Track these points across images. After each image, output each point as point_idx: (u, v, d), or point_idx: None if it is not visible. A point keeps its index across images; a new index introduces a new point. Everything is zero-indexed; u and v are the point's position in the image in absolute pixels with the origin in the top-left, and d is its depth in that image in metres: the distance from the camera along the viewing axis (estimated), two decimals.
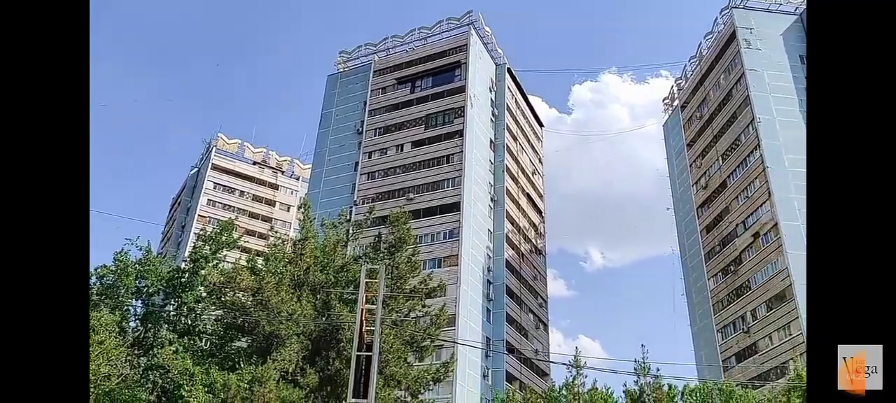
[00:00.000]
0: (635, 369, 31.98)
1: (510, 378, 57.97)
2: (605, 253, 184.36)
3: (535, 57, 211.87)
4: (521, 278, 66.41)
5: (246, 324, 22.50)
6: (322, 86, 76.88)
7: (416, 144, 66.67)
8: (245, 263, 24.84)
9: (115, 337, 21.13)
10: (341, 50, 77.96)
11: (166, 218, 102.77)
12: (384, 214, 32.06)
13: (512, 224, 67.25)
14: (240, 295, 23.26)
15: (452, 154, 63.75)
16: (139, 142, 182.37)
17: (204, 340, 24.46)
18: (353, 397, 16.00)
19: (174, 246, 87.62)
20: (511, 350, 59.67)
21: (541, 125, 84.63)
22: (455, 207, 60.39)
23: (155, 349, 22.74)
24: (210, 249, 24.91)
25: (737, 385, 36.27)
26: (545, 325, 70.28)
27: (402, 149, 67.01)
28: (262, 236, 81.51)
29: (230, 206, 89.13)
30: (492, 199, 65.75)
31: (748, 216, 58.46)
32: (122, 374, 20.99)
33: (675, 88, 78.06)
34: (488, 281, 61.00)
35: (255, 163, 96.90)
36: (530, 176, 76.06)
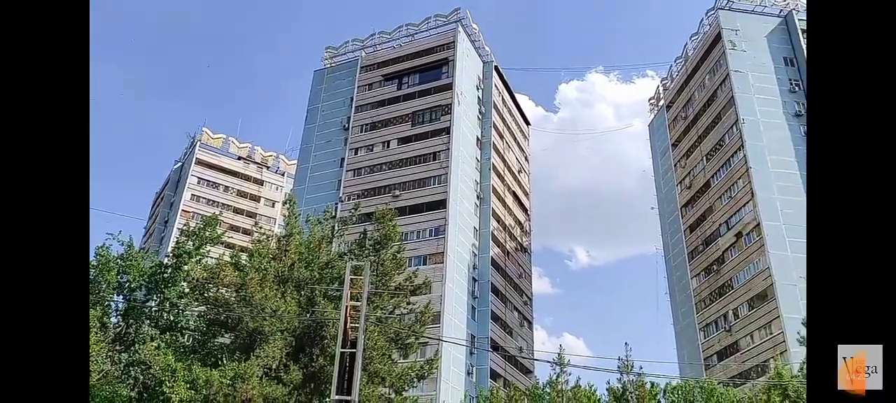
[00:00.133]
0: (619, 367, 32.21)
1: (494, 375, 58.08)
2: (590, 252, 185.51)
3: (522, 55, 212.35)
4: (507, 276, 66.53)
5: (229, 320, 22.28)
6: (308, 82, 76.52)
7: (403, 141, 66.49)
8: (229, 259, 24.61)
9: (96, 333, 20.83)
10: (328, 46, 77.59)
11: (149, 212, 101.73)
12: (370, 211, 31.88)
13: (498, 222, 67.33)
14: (223, 291, 23.03)
15: (439, 151, 63.65)
16: (122, 135, 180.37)
17: (186, 336, 24.20)
18: (337, 394, 15.89)
19: (157, 241, 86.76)
20: (495, 347, 59.76)
21: (527, 123, 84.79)
22: (441, 204, 60.30)
23: (136, 345, 22.44)
24: (193, 244, 24.61)
25: (718, 384, 36.61)
26: (530, 323, 70.49)
27: (388, 146, 66.80)
28: (246, 232, 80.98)
29: (214, 201, 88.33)
30: (478, 197, 65.78)
31: (731, 216, 58.99)
32: (102, 370, 20.71)
33: (661, 88, 78.55)
34: (473, 278, 61.03)
35: (239, 159, 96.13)
36: (516, 174, 76.20)
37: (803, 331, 27.74)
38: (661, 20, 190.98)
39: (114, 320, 23.90)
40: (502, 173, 71.42)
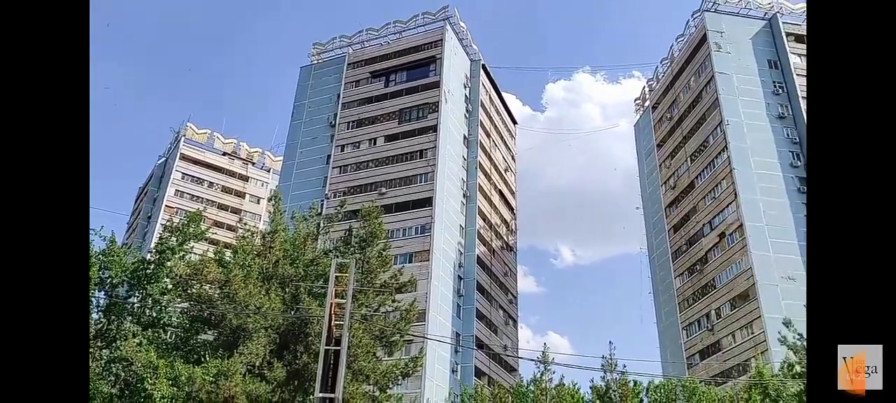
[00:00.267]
0: (602, 365, 32.33)
1: (479, 373, 58.16)
2: (575, 251, 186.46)
3: (509, 54, 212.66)
4: (492, 274, 66.62)
5: (212, 317, 22.05)
6: (295, 79, 76.06)
7: (389, 139, 66.31)
8: (213, 255, 24.34)
9: None
10: (316, 42, 77.16)
11: (132, 208, 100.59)
12: (356, 208, 31.75)
13: (484, 220, 67.38)
14: (207, 288, 22.77)
15: (425, 149, 63.56)
16: (106, 130, 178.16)
17: (169, 333, 23.90)
18: (321, 391, 15.75)
19: (140, 236, 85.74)
20: (480, 345, 59.83)
21: (514, 122, 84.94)
22: (427, 202, 60.24)
23: (118, 341, 22.13)
24: (177, 240, 24.29)
25: (700, 382, 36.91)
26: (514, 321, 70.68)
27: (374, 143, 66.58)
28: (230, 228, 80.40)
29: (198, 197, 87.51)
30: (464, 195, 65.78)
31: (715, 216, 59.53)
32: None
33: (647, 89, 79.05)
34: (459, 276, 61.04)
35: (224, 154, 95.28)
36: (503, 172, 76.31)
37: (784, 331, 28.06)
38: (647, 21, 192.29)
39: (95, 316, 23.56)
40: (489, 171, 71.48)
